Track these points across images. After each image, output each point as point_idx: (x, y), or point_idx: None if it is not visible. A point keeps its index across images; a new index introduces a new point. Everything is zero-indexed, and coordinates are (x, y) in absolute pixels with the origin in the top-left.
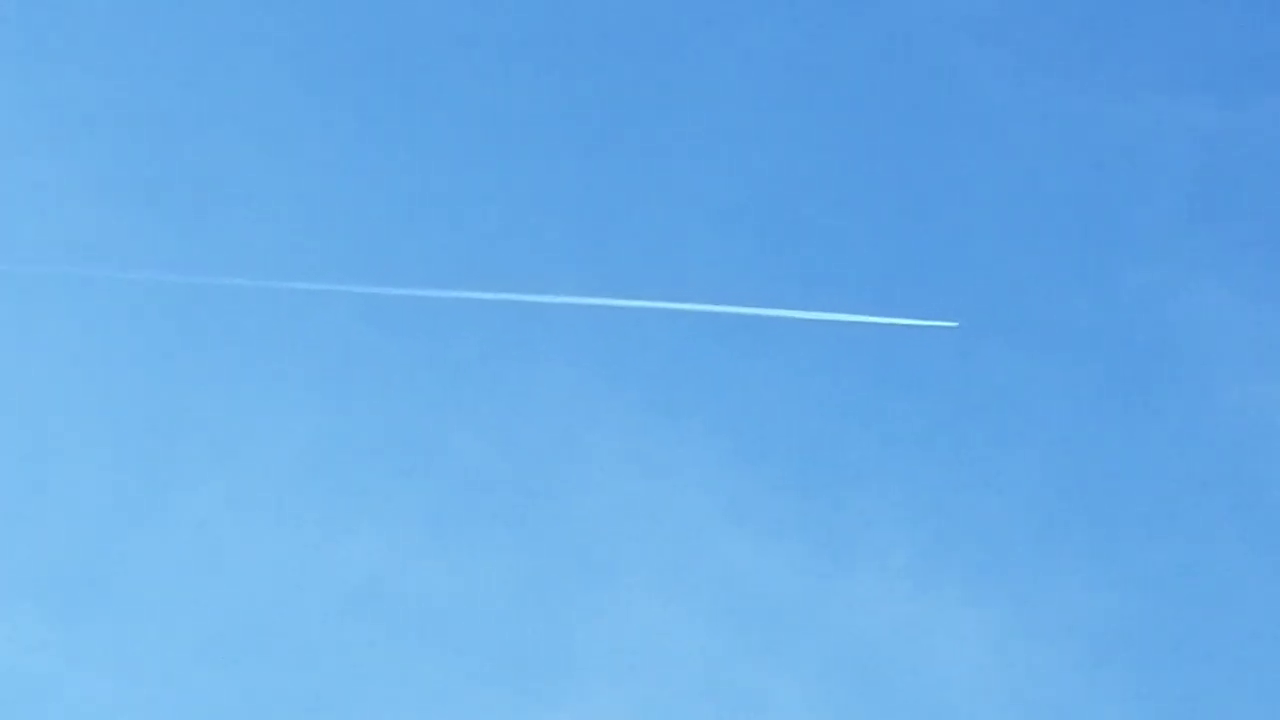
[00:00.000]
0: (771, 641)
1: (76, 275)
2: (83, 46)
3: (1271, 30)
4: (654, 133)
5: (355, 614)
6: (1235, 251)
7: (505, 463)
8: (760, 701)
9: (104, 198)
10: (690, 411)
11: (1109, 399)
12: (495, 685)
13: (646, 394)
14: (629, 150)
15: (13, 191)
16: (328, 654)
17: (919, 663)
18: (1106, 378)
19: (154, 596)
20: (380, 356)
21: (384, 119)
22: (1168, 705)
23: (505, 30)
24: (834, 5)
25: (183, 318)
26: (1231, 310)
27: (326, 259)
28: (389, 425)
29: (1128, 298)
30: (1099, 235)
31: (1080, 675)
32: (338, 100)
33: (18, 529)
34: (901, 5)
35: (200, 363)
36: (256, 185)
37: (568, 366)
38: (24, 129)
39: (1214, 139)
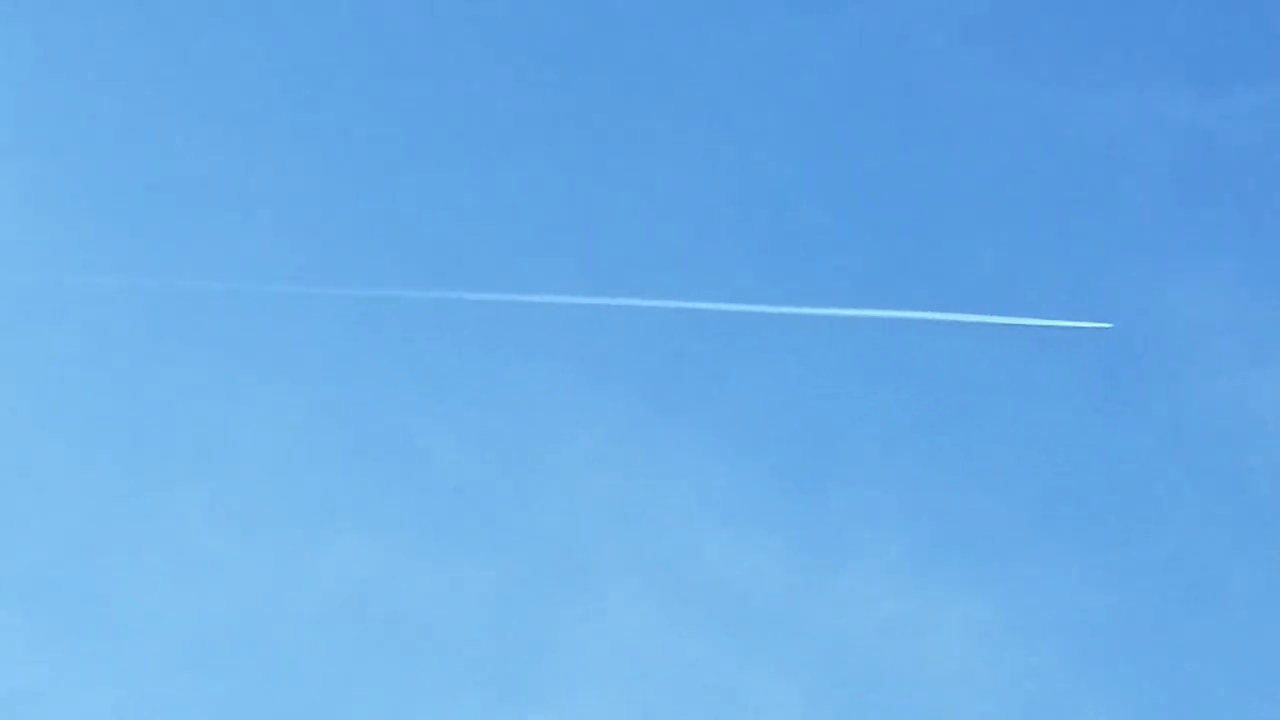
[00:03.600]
0: (760, 640)
1: (54, 280)
2: (62, 52)
3: (1246, 21)
4: (639, 131)
5: (340, 618)
6: (1218, 242)
7: (488, 464)
8: (749, 701)
9: (81, 203)
10: (676, 410)
11: (1097, 392)
12: (480, 688)
13: (631, 393)
14: (613, 148)
15: None
16: (313, 658)
17: (909, 660)
18: (1094, 371)
19: (138, 604)
20: (362, 359)
21: (361, 120)
22: (1159, 700)
23: (487, 31)
24: (817, 7)
25: (162, 323)
26: (1216, 301)
27: (307, 261)
28: (371, 428)
29: (1113, 291)
30: (1081, 229)
31: (1072, 671)
32: (314, 103)
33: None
34: (884, 7)
35: (181, 368)
36: (233, 189)
37: (551, 366)
38: (2, 137)
39: (1193, 130)
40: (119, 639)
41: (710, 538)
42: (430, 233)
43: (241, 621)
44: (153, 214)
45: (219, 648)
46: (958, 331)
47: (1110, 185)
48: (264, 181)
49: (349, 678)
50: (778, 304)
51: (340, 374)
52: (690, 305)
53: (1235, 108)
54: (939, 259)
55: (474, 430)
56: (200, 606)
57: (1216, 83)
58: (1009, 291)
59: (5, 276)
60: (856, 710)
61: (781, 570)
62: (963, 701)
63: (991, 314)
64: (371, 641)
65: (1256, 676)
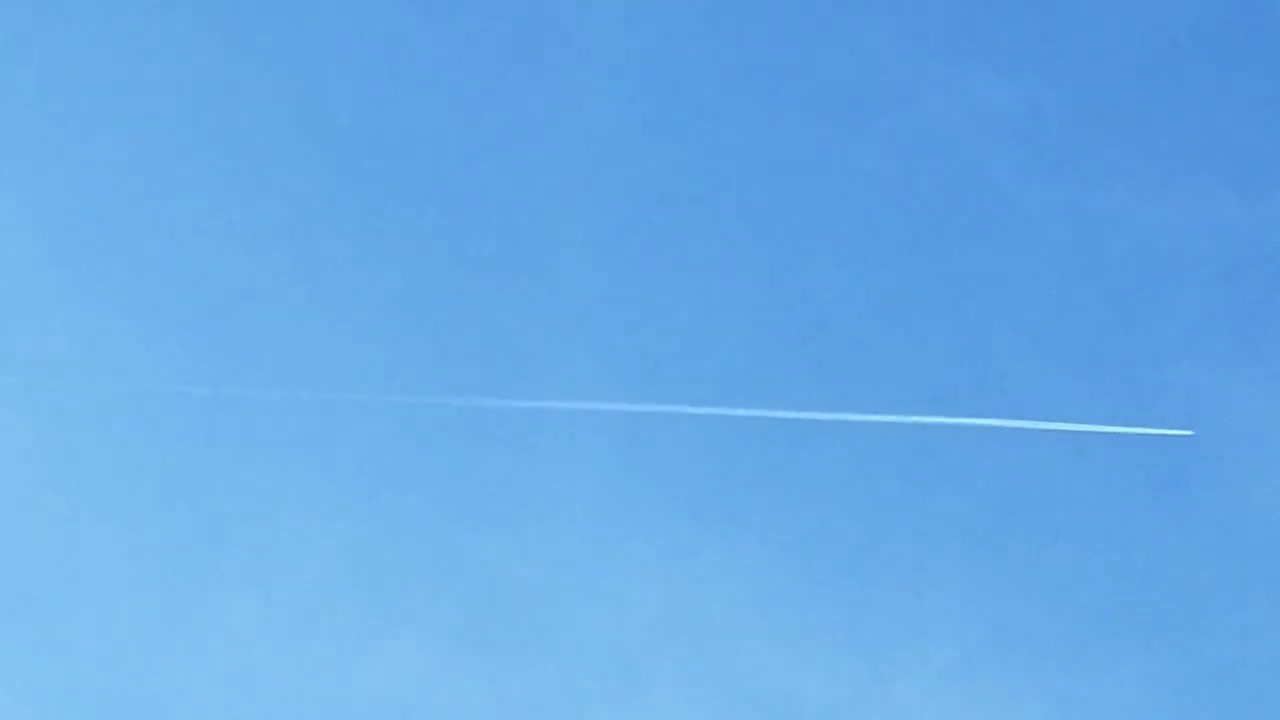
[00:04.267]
0: None
1: (105, 389)
2: (108, 159)
3: None
4: (685, 238)
5: None
6: (1271, 346)
7: (535, 571)
8: None
9: (127, 309)
10: (725, 517)
11: (1152, 498)
12: None
13: (680, 500)
14: (660, 255)
15: (35, 305)
16: None
17: None
18: (1149, 477)
19: (186, 710)
20: (408, 466)
21: (407, 227)
22: None
23: (528, 134)
24: (858, 108)
25: (208, 430)
26: (1272, 405)
27: (352, 368)
28: (418, 536)
29: (1159, 397)
30: (1128, 333)
31: None
32: (359, 206)
33: (47, 648)
34: (923, 106)
35: (226, 476)
36: (280, 293)
37: (600, 473)
38: (43, 241)
39: (1241, 232)
40: None
41: (760, 645)
42: (478, 339)
43: None
44: (201, 321)
45: None
46: (1009, 438)
47: (1159, 289)
48: (311, 287)
49: None
50: (829, 411)
51: (389, 481)
52: (739, 412)
53: None
54: (987, 364)
55: (522, 538)
56: (248, 713)
57: (1265, 183)
58: (1059, 396)
59: (53, 384)
60: None
61: (832, 678)
62: None
63: (1042, 419)
64: None
65: None
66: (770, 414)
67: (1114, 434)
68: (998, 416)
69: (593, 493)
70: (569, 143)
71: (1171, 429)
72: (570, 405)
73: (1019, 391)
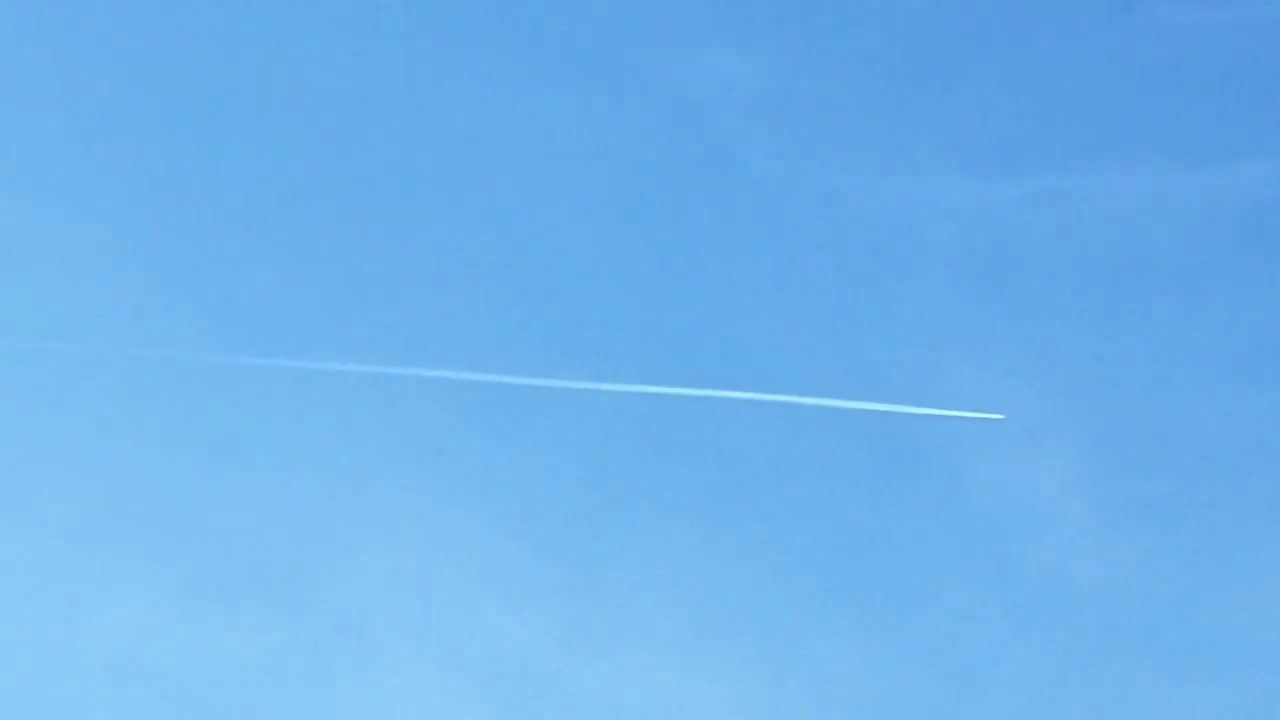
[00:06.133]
0: (533, 713)
1: None
2: None
3: (1030, 108)
4: (426, 203)
5: (114, 683)
6: (999, 327)
7: (268, 530)
8: None
9: None
10: (457, 480)
11: (874, 474)
12: None
13: (413, 462)
14: (402, 216)
15: None
16: None
17: None
18: (868, 453)
19: None
20: (141, 420)
21: (178, 184)
22: None
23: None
24: (610, 84)
25: None
26: (990, 388)
27: (88, 320)
28: (149, 490)
29: (890, 374)
30: (866, 310)
31: None
32: (122, 159)
33: None
34: (674, 86)
35: None
36: (14, 243)
37: (335, 433)
38: None
39: (976, 215)
40: None
41: (486, 609)
42: (218, 296)
43: (14, 686)
44: None
45: None
46: (740, 409)
47: (897, 268)
48: (46, 236)
49: None
50: (564, 379)
51: (120, 435)
52: (474, 377)
53: (1017, 193)
54: (724, 337)
55: (254, 495)
56: None
57: (1001, 167)
58: (793, 370)
59: None
60: None
61: (555, 643)
62: None
63: (774, 393)
64: (148, 707)
65: None
66: (505, 380)
67: (839, 408)
68: (730, 389)
69: (327, 451)
70: (309, 112)
71: (904, 405)
72: (307, 364)
73: (753, 364)
